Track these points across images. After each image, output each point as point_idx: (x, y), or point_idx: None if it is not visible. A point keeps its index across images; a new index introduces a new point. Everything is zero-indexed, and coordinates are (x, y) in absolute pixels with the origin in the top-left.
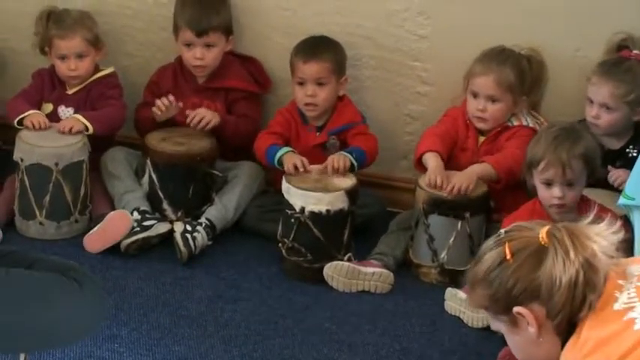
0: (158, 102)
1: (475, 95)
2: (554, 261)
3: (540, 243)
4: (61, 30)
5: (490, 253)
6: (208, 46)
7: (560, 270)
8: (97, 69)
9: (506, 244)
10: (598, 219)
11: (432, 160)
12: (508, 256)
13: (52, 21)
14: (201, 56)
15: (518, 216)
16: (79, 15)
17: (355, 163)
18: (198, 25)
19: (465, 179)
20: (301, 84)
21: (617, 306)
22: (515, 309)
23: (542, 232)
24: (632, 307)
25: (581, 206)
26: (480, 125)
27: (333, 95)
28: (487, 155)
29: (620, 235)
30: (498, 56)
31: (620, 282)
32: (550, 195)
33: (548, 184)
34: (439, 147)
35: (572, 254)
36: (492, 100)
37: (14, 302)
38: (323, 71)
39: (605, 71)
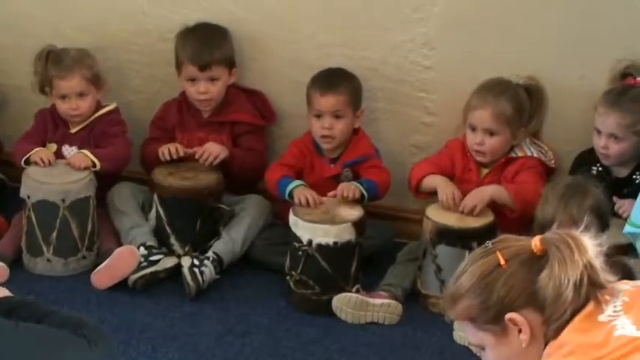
0: (165, 150)
1: (473, 129)
2: (560, 263)
3: (533, 250)
4: (60, 70)
5: (478, 263)
6: (212, 79)
7: (565, 272)
8: (99, 106)
9: (498, 252)
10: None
11: (438, 179)
12: (502, 262)
13: (51, 61)
14: (205, 90)
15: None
16: (77, 54)
17: (365, 194)
18: (200, 60)
19: (476, 199)
20: (318, 116)
21: (601, 317)
22: (508, 315)
23: (535, 240)
24: (617, 317)
25: None
26: (479, 158)
27: (350, 128)
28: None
29: (603, 249)
30: (495, 89)
31: (607, 297)
32: None
33: None
34: (434, 171)
35: (576, 255)
36: (490, 133)
37: (21, 357)
38: (340, 104)
39: (612, 101)
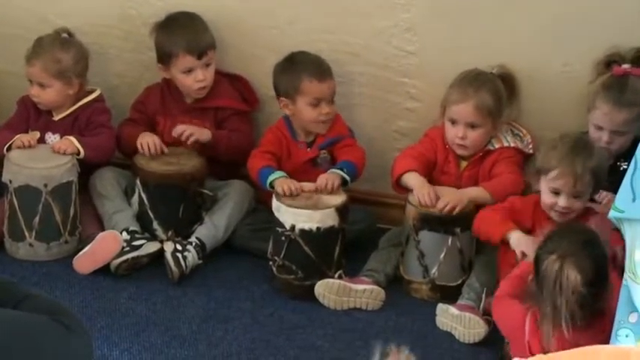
0: (145, 146)
1: (454, 122)
2: None
3: None
4: (29, 54)
5: None
6: (207, 65)
7: None
8: (83, 93)
9: None
10: None
11: (413, 179)
12: None
13: (34, 43)
14: (203, 77)
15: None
16: (50, 42)
17: (348, 178)
18: (198, 48)
19: (456, 200)
20: (315, 105)
21: None
22: None
23: None
24: None
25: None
26: (461, 152)
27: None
28: (470, 179)
29: None
30: (474, 82)
31: None
32: (555, 203)
33: (556, 192)
34: (415, 166)
35: None
36: (472, 126)
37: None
38: (334, 89)
39: (617, 100)
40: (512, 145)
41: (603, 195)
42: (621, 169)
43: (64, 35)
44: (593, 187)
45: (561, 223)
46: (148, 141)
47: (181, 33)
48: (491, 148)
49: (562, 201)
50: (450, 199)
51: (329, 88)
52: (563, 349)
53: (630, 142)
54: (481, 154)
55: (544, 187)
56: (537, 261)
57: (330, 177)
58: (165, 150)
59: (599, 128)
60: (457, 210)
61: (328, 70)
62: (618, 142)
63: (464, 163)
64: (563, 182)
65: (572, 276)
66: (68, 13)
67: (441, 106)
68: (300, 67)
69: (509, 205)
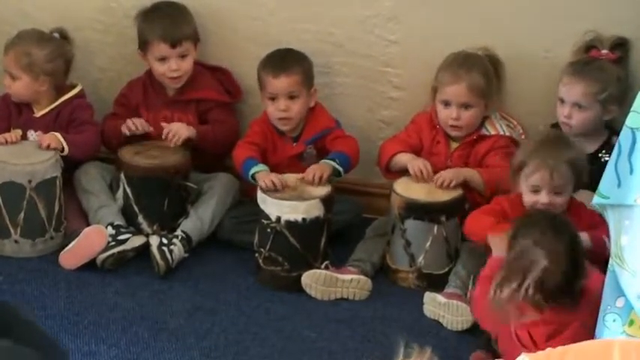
0: (129, 122)
1: (447, 104)
2: None
3: None
4: (7, 43)
5: None
6: (182, 56)
7: None
8: (63, 89)
9: None
10: None
11: (404, 156)
12: None
13: None
14: (177, 67)
15: (489, 211)
16: (27, 35)
17: (340, 169)
18: (172, 37)
19: (452, 174)
20: (273, 99)
21: None
22: None
23: None
24: None
25: (572, 209)
26: (454, 133)
27: (306, 107)
28: (460, 160)
29: None
30: (465, 62)
31: None
32: (537, 201)
33: (536, 190)
34: (402, 149)
35: None
36: (465, 106)
37: None
38: (294, 85)
39: (578, 70)
40: (507, 133)
41: None
42: (603, 160)
43: (55, 35)
44: (573, 182)
45: (531, 212)
46: (133, 120)
47: (160, 21)
48: (486, 133)
49: (543, 197)
50: (446, 174)
51: (284, 84)
52: (545, 327)
53: (605, 129)
54: (475, 137)
55: (524, 186)
56: (509, 247)
57: (320, 168)
58: (152, 129)
59: (562, 102)
60: (453, 184)
61: (287, 66)
62: (578, 117)
63: (454, 144)
64: (539, 176)
65: (542, 258)
66: (48, 7)
67: (431, 88)
68: (264, 62)
69: (498, 207)
